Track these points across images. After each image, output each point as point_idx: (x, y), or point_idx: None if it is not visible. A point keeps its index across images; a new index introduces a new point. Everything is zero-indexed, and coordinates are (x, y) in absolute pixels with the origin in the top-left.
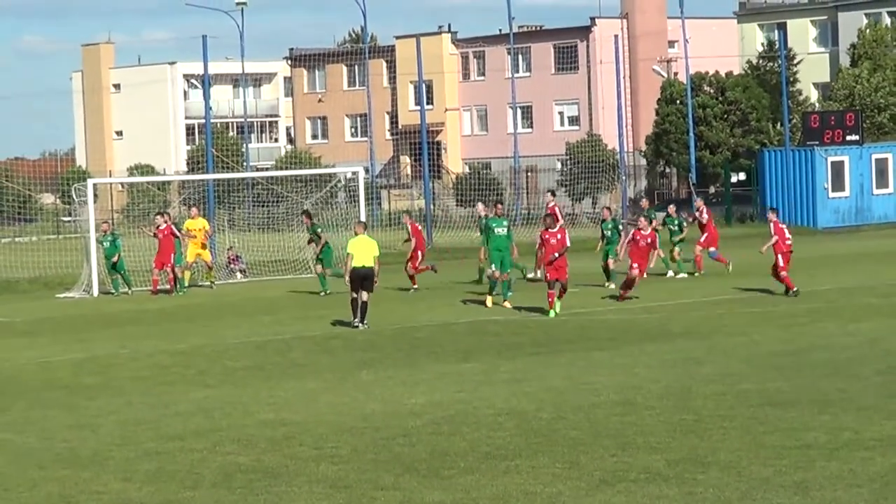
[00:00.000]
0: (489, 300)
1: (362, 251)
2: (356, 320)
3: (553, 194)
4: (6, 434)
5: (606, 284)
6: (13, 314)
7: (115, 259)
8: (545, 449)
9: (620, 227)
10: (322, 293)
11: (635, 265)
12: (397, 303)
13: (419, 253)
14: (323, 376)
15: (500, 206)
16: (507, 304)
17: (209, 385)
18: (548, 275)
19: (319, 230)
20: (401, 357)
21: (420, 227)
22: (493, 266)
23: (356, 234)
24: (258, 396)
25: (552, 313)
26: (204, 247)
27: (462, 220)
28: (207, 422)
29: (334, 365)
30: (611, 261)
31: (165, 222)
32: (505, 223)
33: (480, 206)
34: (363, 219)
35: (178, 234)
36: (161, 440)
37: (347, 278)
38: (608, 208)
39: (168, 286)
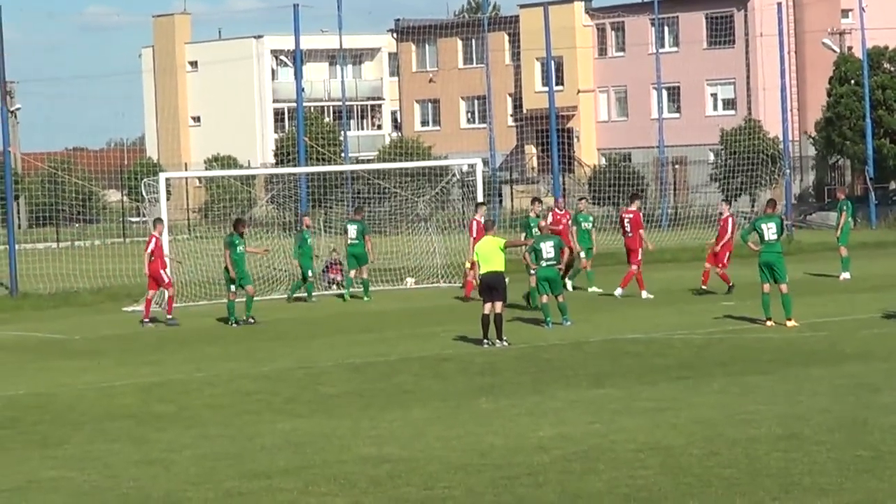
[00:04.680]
0: (789, 322)
1: (488, 254)
2: (487, 340)
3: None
4: (65, 471)
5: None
6: (72, 330)
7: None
8: (696, 491)
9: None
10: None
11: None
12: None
13: (721, 247)
14: (433, 405)
15: (543, 221)
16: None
17: (299, 415)
18: None
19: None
20: (525, 382)
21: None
22: (543, 294)
23: (486, 233)
24: (357, 428)
25: None
26: None
27: (598, 220)
28: (298, 457)
29: (447, 391)
30: (843, 249)
31: None
32: (552, 242)
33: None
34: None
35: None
36: (244, 479)
37: (477, 287)
38: (843, 187)
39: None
